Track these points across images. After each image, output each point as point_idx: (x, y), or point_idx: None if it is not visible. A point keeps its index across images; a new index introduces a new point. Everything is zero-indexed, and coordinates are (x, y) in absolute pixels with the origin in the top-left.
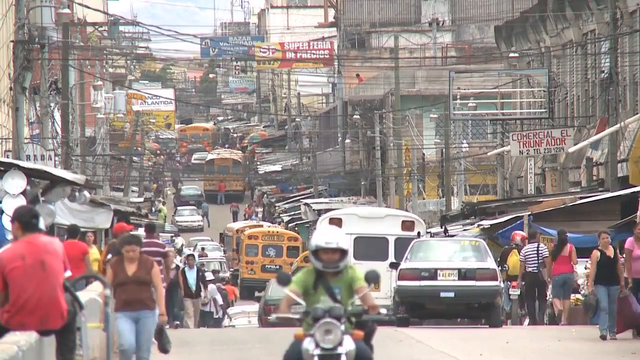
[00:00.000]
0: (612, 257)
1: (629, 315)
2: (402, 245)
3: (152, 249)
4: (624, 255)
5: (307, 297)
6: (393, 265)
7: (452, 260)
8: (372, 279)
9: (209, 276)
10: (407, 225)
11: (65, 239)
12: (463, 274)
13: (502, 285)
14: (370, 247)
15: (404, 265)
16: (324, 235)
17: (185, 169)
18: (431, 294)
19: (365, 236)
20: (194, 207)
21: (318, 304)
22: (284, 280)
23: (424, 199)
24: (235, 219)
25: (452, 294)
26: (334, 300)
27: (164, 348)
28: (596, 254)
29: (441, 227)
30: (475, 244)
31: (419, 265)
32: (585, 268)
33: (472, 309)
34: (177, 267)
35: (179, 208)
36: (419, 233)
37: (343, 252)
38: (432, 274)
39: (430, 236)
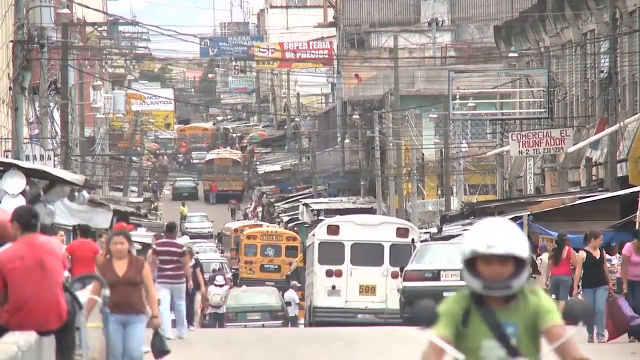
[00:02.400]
0: (597, 257)
1: (620, 319)
2: (397, 251)
3: (170, 249)
4: (621, 260)
5: (457, 339)
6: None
7: (455, 261)
8: (582, 314)
9: (220, 280)
10: (402, 232)
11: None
12: None
13: None
14: (366, 253)
15: (409, 267)
16: (485, 235)
17: (183, 168)
18: (434, 294)
19: (362, 243)
20: (204, 214)
21: (481, 354)
22: (428, 316)
23: (423, 199)
24: (233, 217)
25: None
26: (506, 349)
27: (159, 353)
28: (582, 255)
29: (440, 228)
30: None
31: (422, 266)
32: None
33: None
34: (197, 264)
35: (188, 215)
36: (413, 240)
37: (519, 263)
38: (435, 275)
39: (430, 236)
